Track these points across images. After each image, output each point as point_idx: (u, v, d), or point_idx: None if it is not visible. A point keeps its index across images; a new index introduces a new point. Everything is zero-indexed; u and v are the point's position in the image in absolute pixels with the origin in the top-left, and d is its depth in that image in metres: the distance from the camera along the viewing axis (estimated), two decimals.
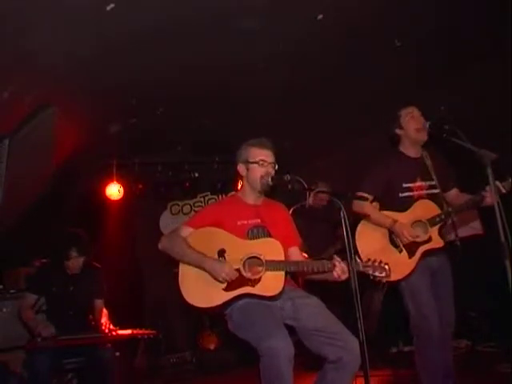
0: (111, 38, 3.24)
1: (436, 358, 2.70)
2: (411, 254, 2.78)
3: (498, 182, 2.56)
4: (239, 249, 2.42)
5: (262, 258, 2.38)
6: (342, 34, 3.59)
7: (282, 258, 2.40)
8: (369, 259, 2.36)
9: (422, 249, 2.78)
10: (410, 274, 2.76)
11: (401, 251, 2.79)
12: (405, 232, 2.75)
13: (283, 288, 2.37)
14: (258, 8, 3.18)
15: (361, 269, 2.31)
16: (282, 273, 2.38)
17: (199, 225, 2.53)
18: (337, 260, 2.31)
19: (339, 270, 2.30)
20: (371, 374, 2.03)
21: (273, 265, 2.36)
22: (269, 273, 2.36)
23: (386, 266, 2.34)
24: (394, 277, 2.75)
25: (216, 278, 2.38)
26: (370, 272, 2.33)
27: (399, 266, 2.75)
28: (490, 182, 2.52)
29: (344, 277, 2.30)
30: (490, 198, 2.61)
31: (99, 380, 3.12)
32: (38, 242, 4.23)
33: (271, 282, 2.36)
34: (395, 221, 2.79)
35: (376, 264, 2.33)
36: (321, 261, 2.39)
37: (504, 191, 2.60)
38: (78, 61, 3.43)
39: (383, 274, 2.33)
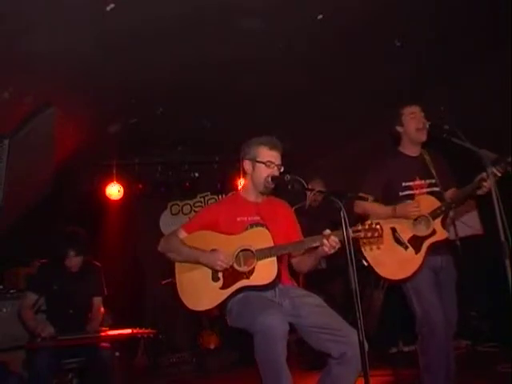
0: (111, 37, 3.24)
1: (439, 358, 2.69)
2: (417, 249, 2.75)
3: (492, 167, 2.55)
4: (229, 245, 2.43)
5: (251, 248, 2.39)
6: (341, 34, 3.59)
7: (271, 244, 2.40)
8: (358, 224, 2.32)
9: (427, 243, 2.75)
10: (418, 270, 2.73)
11: (406, 248, 2.77)
12: (409, 208, 2.74)
13: (278, 274, 2.38)
14: (258, 8, 3.19)
15: (351, 234, 2.25)
16: (274, 259, 2.38)
17: (194, 229, 2.55)
18: (325, 235, 2.30)
19: (328, 246, 2.28)
20: (371, 374, 2.02)
21: (263, 253, 2.38)
22: (261, 262, 2.38)
23: (378, 226, 2.29)
24: (403, 274, 2.75)
25: (214, 269, 2.40)
26: (362, 235, 2.30)
27: (407, 263, 2.74)
28: (489, 181, 2.52)
29: (333, 250, 2.29)
30: (487, 183, 2.60)
31: (99, 380, 3.11)
32: (38, 241, 4.23)
33: (265, 270, 2.38)
34: (395, 206, 2.79)
35: (366, 226, 2.30)
36: (310, 237, 2.38)
37: (499, 174, 2.59)
38: (78, 61, 3.44)
39: (376, 235, 2.29)
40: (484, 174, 2.63)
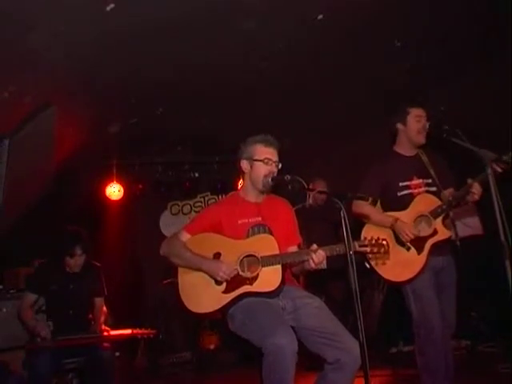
0: (111, 38, 3.24)
1: (437, 357, 2.69)
2: (420, 249, 2.74)
3: (493, 164, 2.54)
4: (234, 250, 2.42)
5: (256, 255, 2.38)
6: (341, 34, 3.59)
7: (277, 252, 2.39)
8: (365, 238, 2.33)
9: (430, 242, 2.74)
10: (422, 270, 2.72)
11: (409, 249, 2.75)
12: (406, 230, 2.73)
13: (282, 282, 2.36)
14: (258, 8, 3.18)
15: (357, 249, 2.28)
16: (279, 267, 2.37)
17: (197, 230, 2.53)
18: (312, 250, 2.31)
19: (314, 261, 2.30)
20: (371, 374, 2.03)
21: (268, 260, 2.36)
22: (265, 268, 2.36)
23: (384, 242, 2.29)
24: (406, 276, 2.74)
25: (215, 278, 2.39)
26: (368, 250, 2.30)
27: (410, 264, 2.73)
28: (489, 182, 2.52)
29: (319, 266, 2.32)
30: (474, 190, 2.64)
31: (99, 380, 3.11)
32: (38, 241, 4.23)
33: (269, 278, 2.36)
34: (396, 219, 2.77)
35: (373, 242, 2.29)
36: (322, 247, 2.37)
37: (500, 170, 2.58)
38: (78, 61, 3.44)
39: (382, 250, 2.28)
40: (470, 181, 2.65)
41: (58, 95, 3.78)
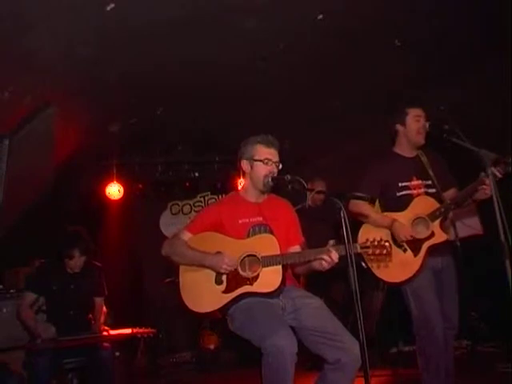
0: (111, 37, 3.24)
1: (438, 358, 2.69)
2: (416, 251, 2.74)
3: (492, 168, 2.54)
4: (235, 249, 2.42)
5: (257, 255, 2.38)
6: (341, 34, 3.59)
7: (278, 252, 2.38)
8: (367, 239, 2.30)
9: (426, 245, 2.73)
10: (418, 272, 2.72)
11: (405, 250, 2.75)
12: (403, 232, 2.73)
13: (282, 283, 2.36)
14: (258, 8, 3.19)
15: (359, 250, 2.27)
16: (279, 267, 2.36)
17: (198, 230, 2.53)
18: (330, 249, 2.28)
19: (328, 262, 2.28)
20: (371, 374, 2.03)
21: (269, 260, 2.36)
22: (266, 269, 2.36)
23: (387, 244, 2.26)
24: (402, 277, 2.74)
25: (218, 272, 2.40)
26: (370, 252, 2.28)
27: (406, 265, 2.73)
28: (490, 182, 2.52)
29: (329, 267, 2.30)
30: (486, 186, 2.59)
31: (99, 380, 3.11)
32: (38, 241, 4.22)
33: (269, 278, 2.36)
34: (394, 220, 2.77)
35: (375, 243, 2.27)
36: (316, 249, 2.36)
37: (500, 175, 2.57)
38: (77, 61, 3.43)
39: (384, 252, 2.26)
40: (483, 175, 2.62)
41: (57, 95, 3.78)
